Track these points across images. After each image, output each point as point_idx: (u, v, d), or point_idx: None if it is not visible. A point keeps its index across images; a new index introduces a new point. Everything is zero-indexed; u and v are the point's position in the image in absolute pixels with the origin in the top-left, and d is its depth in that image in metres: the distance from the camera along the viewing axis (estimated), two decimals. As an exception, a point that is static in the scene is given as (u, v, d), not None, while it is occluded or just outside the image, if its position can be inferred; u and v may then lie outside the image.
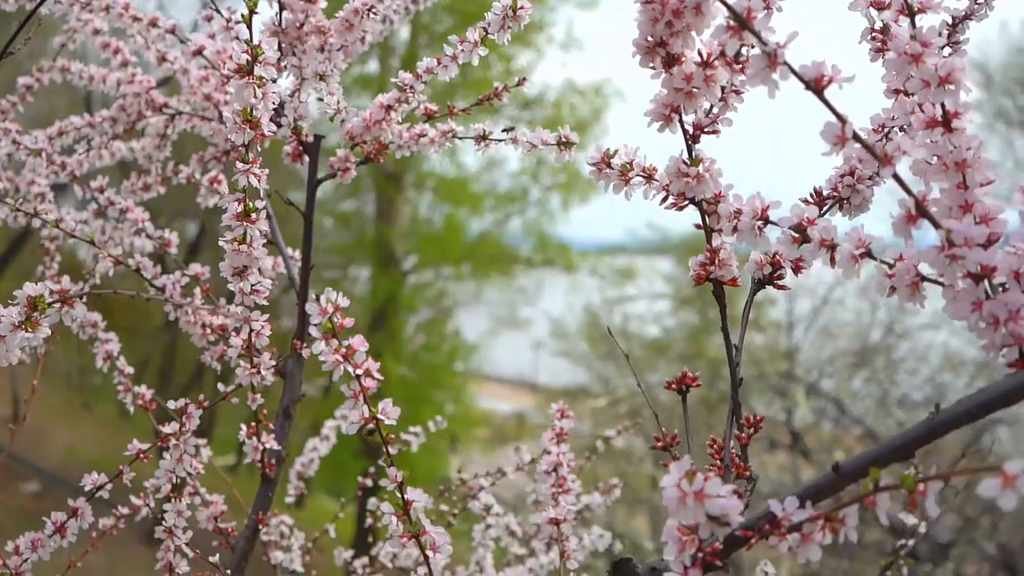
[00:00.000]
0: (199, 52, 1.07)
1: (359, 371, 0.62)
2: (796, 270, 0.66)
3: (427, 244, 11.75)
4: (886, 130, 0.69)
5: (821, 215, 0.68)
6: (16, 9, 1.16)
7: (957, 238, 0.50)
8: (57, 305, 0.68)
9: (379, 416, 0.63)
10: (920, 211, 0.51)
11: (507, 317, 12.36)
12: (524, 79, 1.00)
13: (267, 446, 0.96)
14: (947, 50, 0.70)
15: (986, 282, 0.52)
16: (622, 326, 10.34)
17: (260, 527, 0.98)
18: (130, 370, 1.10)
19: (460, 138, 0.98)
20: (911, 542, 1.12)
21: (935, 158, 0.54)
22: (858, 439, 6.19)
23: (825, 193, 0.68)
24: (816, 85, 0.51)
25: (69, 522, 0.92)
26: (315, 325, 0.60)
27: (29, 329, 0.68)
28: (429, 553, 0.64)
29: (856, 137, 0.50)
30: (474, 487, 1.33)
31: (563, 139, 0.87)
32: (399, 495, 0.64)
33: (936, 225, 0.51)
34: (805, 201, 0.68)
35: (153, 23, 1.09)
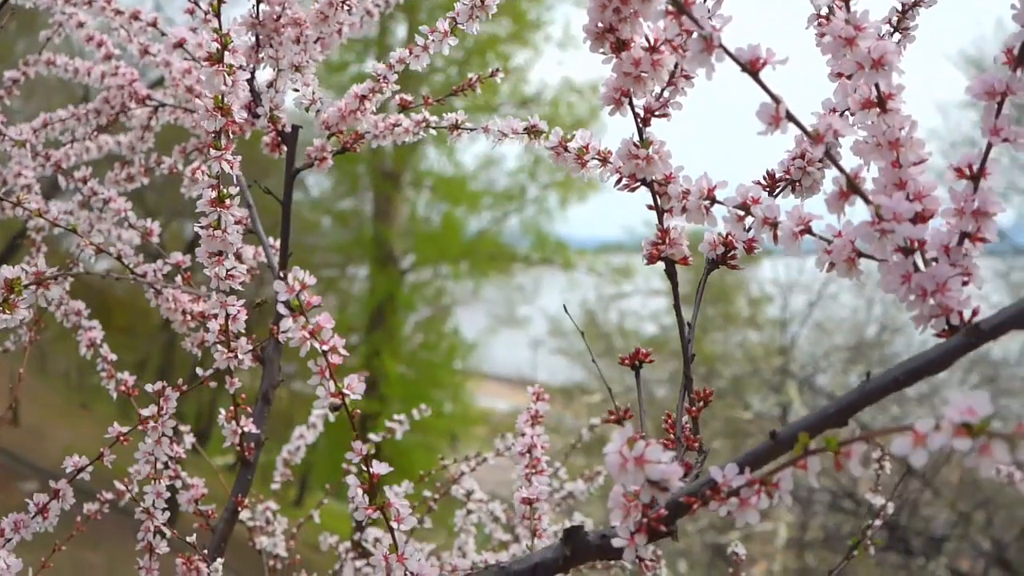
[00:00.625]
0: (180, 45, 1.09)
1: (326, 347, 0.64)
2: (749, 250, 0.69)
3: (425, 243, 11.77)
4: (837, 114, 0.71)
5: (773, 197, 0.70)
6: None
7: (886, 213, 0.52)
8: (33, 287, 0.71)
9: (344, 391, 0.65)
10: (852, 188, 0.54)
11: (505, 315, 12.38)
12: (498, 70, 1.02)
13: (245, 430, 0.99)
14: (896, 35, 0.72)
15: (919, 256, 0.55)
16: (619, 323, 10.37)
17: (239, 509, 1.01)
18: (113, 357, 1.12)
19: (434, 127, 1.00)
20: (877, 523, 1.14)
21: (872, 138, 0.56)
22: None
23: (777, 176, 0.70)
24: (752, 67, 0.53)
25: (51, 503, 0.94)
26: (282, 303, 0.62)
27: (6, 311, 0.70)
28: (393, 524, 0.66)
29: (790, 116, 0.53)
30: (455, 473, 1.35)
31: (531, 128, 0.89)
32: (365, 468, 0.67)
33: (867, 201, 0.53)
34: (757, 183, 0.71)
35: (135, 16, 1.12)
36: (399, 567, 0.65)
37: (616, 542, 0.56)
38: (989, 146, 0.54)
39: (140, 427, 0.96)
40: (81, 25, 1.23)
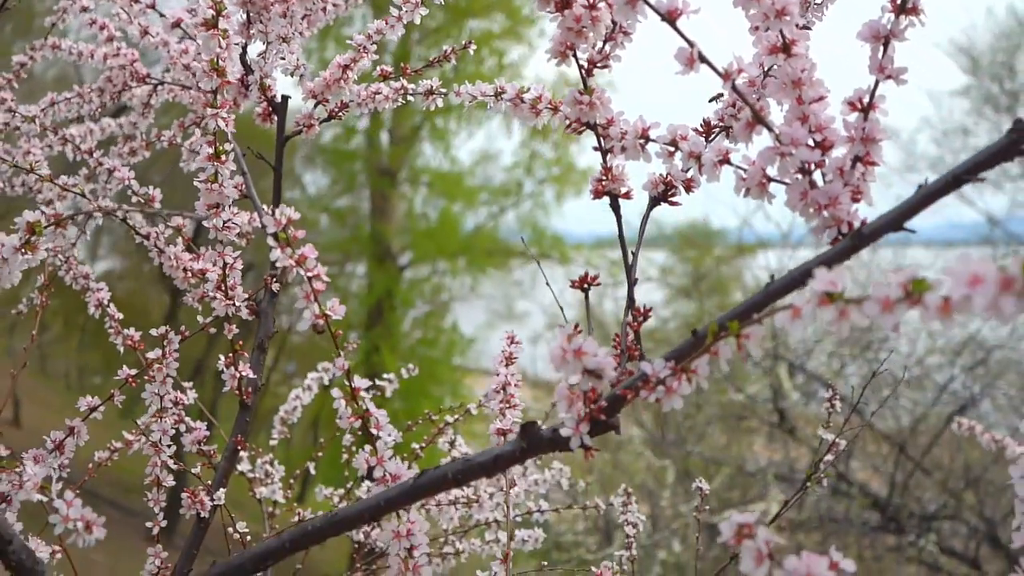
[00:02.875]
0: (177, 24, 1.18)
1: (310, 274, 0.73)
2: (687, 189, 0.77)
3: (422, 239, 11.85)
4: (767, 68, 0.80)
5: (709, 141, 0.79)
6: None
7: (786, 139, 0.61)
8: (52, 227, 0.79)
9: (328, 312, 0.74)
10: (757, 119, 0.62)
11: (503, 310, 12.46)
12: (470, 43, 1.11)
13: (244, 375, 1.08)
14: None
15: (819, 176, 0.64)
16: (615, 315, 10.44)
17: (239, 449, 1.09)
18: (120, 316, 1.21)
19: (411, 94, 1.08)
20: (829, 457, 1.23)
21: (778, 79, 0.65)
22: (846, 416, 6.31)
23: (713, 123, 0.79)
24: (670, 16, 0.62)
25: (67, 440, 1.03)
26: (271, 235, 0.71)
27: (28, 251, 0.79)
28: (374, 430, 0.75)
29: (702, 59, 0.62)
30: (440, 424, 1.44)
31: (499, 90, 0.98)
32: (347, 383, 0.76)
33: (770, 129, 0.62)
34: (695, 130, 0.79)
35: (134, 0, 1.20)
36: (380, 468, 0.74)
37: (563, 431, 0.65)
38: (876, 82, 0.63)
39: (147, 371, 1.05)
40: (85, 10, 1.31)
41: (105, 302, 1.22)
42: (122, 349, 1.18)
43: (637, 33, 0.74)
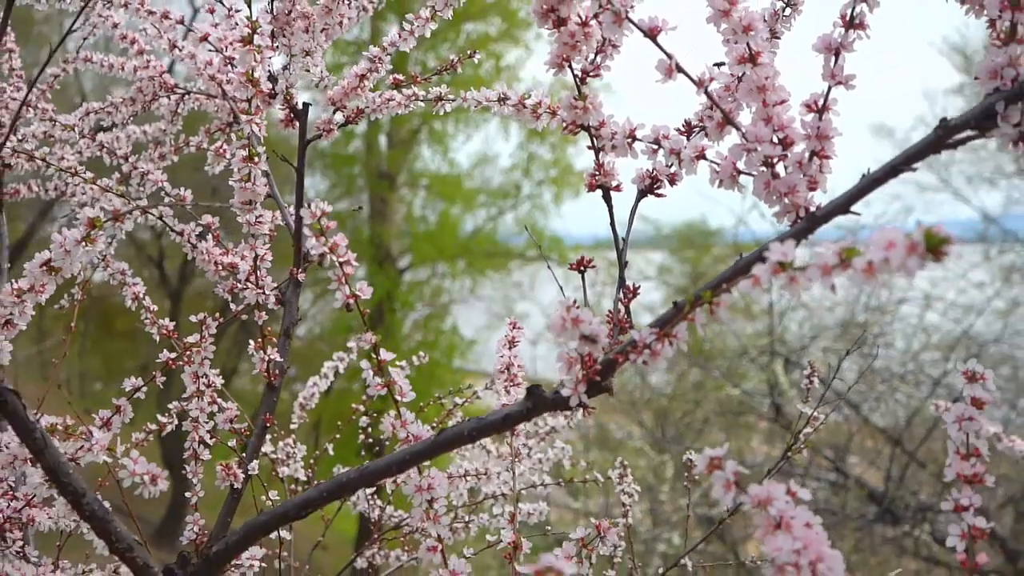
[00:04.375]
0: (204, 39, 1.28)
1: (342, 260, 0.83)
2: (671, 182, 0.88)
3: (422, 242, 11.95)
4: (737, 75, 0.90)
5: (689, 139, 0.89)
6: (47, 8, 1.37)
7: (751, 137, 0.72)
8: (111, 222, 0.90)
9: (357, 293, 0.84)
10: (726, 120, 0.73)
11: (503, 312, 12.55)
12: (474, 52, 1.21)
13: (272, 358, 1.18)
14: (789, 10, 0.91)
15: (782, 168, 0.74)
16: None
17: (268, 425, 1.20)
18: (154, 308, 1.31)
19: (422, 100, 1.19)
20: (808, 430, 1.33)
21: (746, 85, 0.76)
22: (840, 412, 6.41)
23: (693, 124, 0.90)
24: (652, 33, 0.72)
25: (114, 417, 1.13)
26: (307, 225, 0.81)
27: (88, 244, 0.89)
28: (398, 397, 0.85)
29: (679, 68, 0.72)
30: (450, 406, 1.55)
31: (502, 96, 1.08)
32: (375, 355, 0.86)
33: (738, 128, 0.73)
34: (677, 130, 0.90)
35: (165, 16, 1.31)
36: (403, 430, 0.85)
37: (564, 391, 0.76)
38: (829, 88, 0.73)
39: (184, 354, 1.16)
40: (115, 26, 1.41)
41: (141, 295, 1.32)
42: (158, 339, 1.28)
43: (636, 41, 0.84)
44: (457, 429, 0.79)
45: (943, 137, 0.66)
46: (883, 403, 7.09)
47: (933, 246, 0.49)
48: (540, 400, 0.78)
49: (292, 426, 1.61)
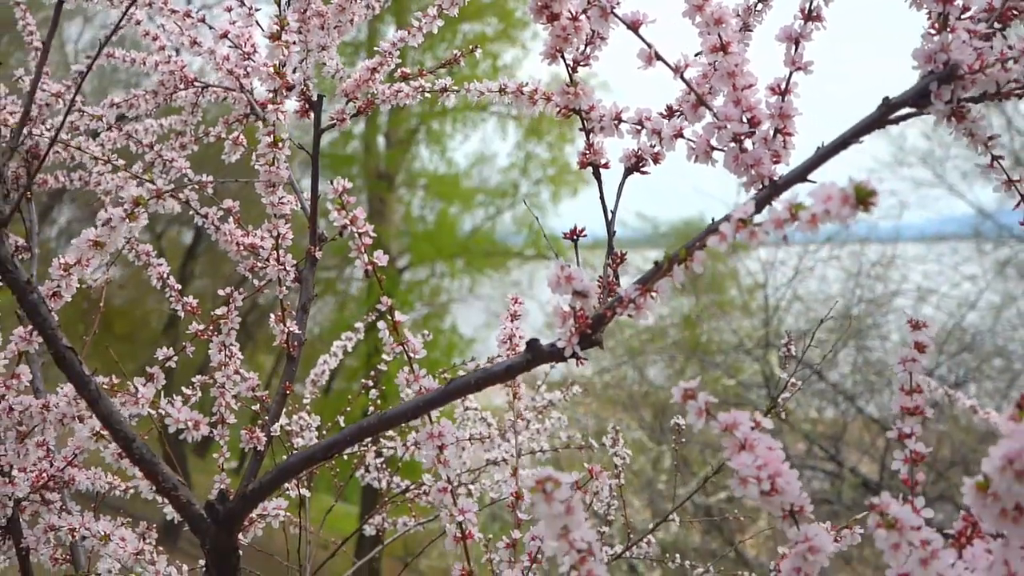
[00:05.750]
0: (224, 35, 1.38)
1: (360, 231, 0.93)
2: (655, 160, 0.98)
3: (420, 241, 12.05)
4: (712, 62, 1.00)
5: (670, 121, 0.99)
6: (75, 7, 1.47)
7: (721, 115, 0.82)
8: (154, 200, 1.00)
9: (375, 260, 0.94)
10: (700, 102, 0.83)
11: (502, 311, 12.60)
12: (476, 47, 1.31)
13: (291, 330, 1.28)
14: (760, 4, 1.01)
15: (749, 144, 0.84)
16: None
17: (287, 392, 1.29)
18: (178, 286, 1.41)
19: (428, 92, 1.29)
20: (786, 394, 1.43)
21: (716, 71, 0.86)
22: (835, 402, 6.53)
23: (673, 108, 1.00)
24: (634, 26, 0.82)
25: (147, 385, 1.23)
26: (330, 200, 0.91)
27: (131, 220, 0.99)
28: (411, 353, 0.95)
29: (658, 56, 0.82)
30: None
31: (502, 87, 1.18)
32: (390, 317, 0.96)
33: (710, 109, 0.83)
34: (660, 113, 1.00)
35: (187, 15, 1.41)
36: (416, 383, 0.95)
37: (559, 343, 0.86)
38: (790, 73, 0.84)
39: (210, 328, 1.26)
40: (139, 23, 1.51)
41: (165, 275, 1.42)
42: (182, 314, 1.38)
43: (631, 42, 0.94)
44: (464, 379, 0.89)
45: (885, 113, 0.76)
46: (877, 395, 7.20)
47: (862, 198, 0.59)
48: (539, 352, 0.88)
49: (304, 401, 1.71)
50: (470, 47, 1.31)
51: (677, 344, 8.42)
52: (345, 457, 1.76)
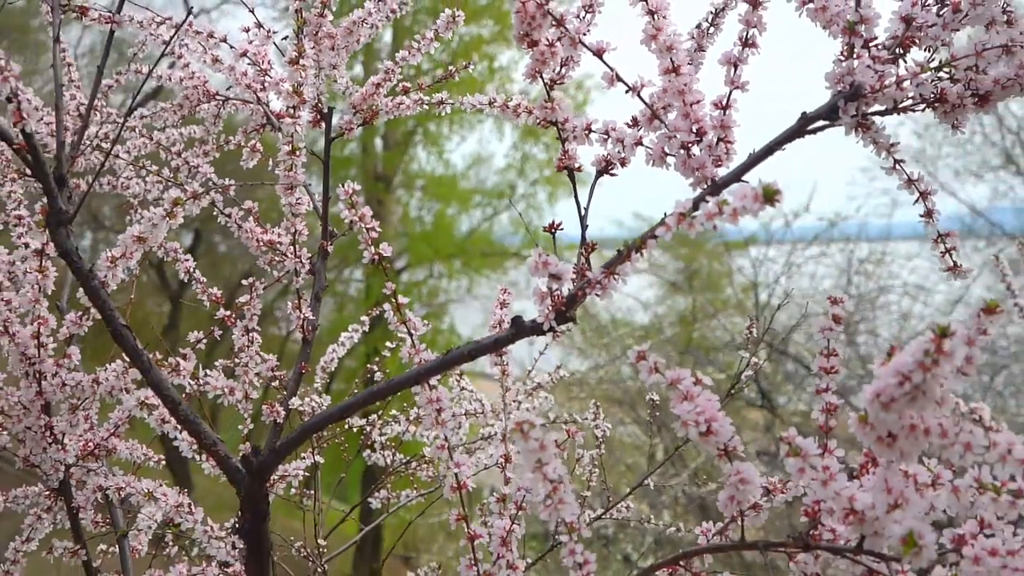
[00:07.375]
0: (244, 54, 1.54)
1: (368, 226, 1.09)
2: (622, 164, 1.14)
3: (418, 242, 12.19)
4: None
5: (638, 131, 1.15)
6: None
7: (672, 128, 0.98)
8: (191, 200, 1.16)
9: (381, 252, 1.10)
10: (654, 115, 0.99)
11: (500, 311, 12.71)
12: (470, 62, 1.48)
13: (306, 316, 1.44)
14: (712, 28, 1.17)
15: (697, 150, 1.00)
16: (611, 313, 10.81)
17: (303, 372, 1.46)
18: (204, 279, 1.57)
19: (427, 104, 1.45)
20: (748, 373, 1.59)
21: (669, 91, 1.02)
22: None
23: (638, 118, 1.16)
24: (598, 52, 0.98)
25: (182, 362, 1.39)
26: (341, 200, 1.07)
27: (170, 218, 1.15)
28: (412, 331, 1.11)
29: (618, 78, 0.98)
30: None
31: (492, 100, 1.34)
32: (394, 300, 1.12)
33: (662, 122, 0.99)
34: (626, 124, 1.16)
35: (210, 35, 1.57)
36: (417, 356, 1.11)
37: (538, 319, 1.02)
38: (730, 91, 1.00)
39: (233, 319, 1.41)
40: (165, 43, 1.67)
41: (191, 269, 1.58)
42: (208, 305, 1.54)
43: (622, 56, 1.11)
44: (459, 351, 1.06)
45: (803, 125, 0.92)
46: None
47: (769, 196, 0.75)
48: (521, 326, 1.04)
49: (315, 385, 1.87)
50: (463, 63, 1.47)
51: (671, 341, 8.58)
52: (354, 429, 1.92)
